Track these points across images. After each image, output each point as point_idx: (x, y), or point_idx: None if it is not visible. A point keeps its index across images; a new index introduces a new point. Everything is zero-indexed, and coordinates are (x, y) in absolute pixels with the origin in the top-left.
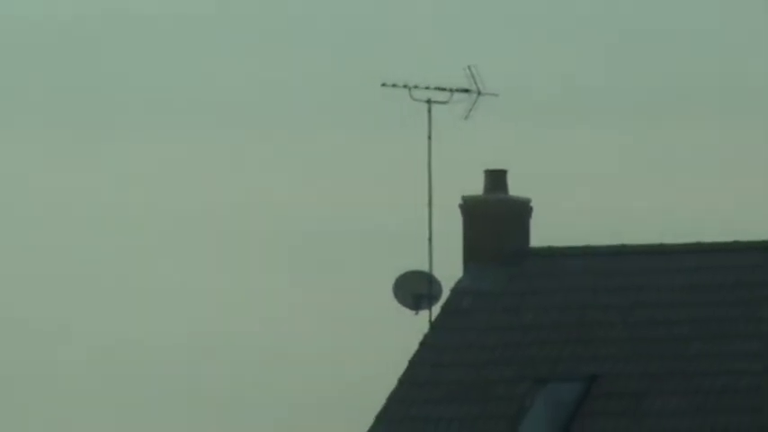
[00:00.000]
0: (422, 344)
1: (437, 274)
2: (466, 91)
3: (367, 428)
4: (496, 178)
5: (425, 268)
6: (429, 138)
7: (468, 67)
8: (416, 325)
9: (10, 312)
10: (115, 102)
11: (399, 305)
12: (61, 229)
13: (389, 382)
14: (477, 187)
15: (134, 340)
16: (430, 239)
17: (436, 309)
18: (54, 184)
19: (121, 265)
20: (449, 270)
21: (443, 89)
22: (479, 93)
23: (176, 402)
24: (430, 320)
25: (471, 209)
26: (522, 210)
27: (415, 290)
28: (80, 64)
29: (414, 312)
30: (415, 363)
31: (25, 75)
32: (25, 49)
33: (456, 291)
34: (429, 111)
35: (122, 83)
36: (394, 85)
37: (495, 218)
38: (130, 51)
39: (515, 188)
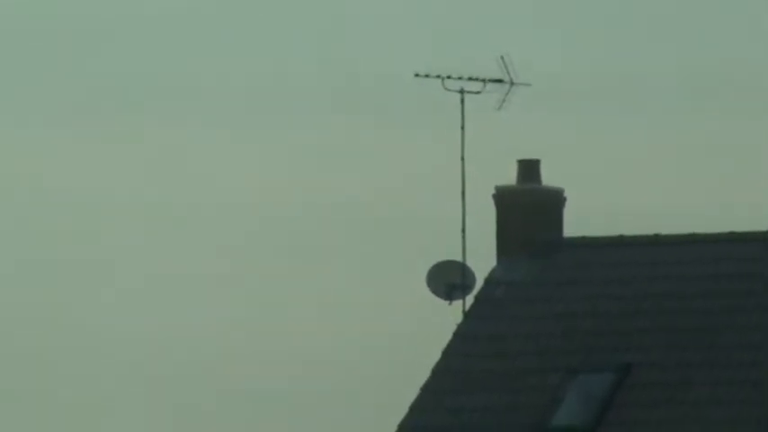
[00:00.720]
0: (455, 334)
1: (470, 264)
2: (499, 81)
3: (401, 419)
4: (530, 168)
5: (459, 258)
6: (462, 128)
7: (501, 57)
8: (450, 315)
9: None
10: (126, 95)
11: (433, 295)
12: (70, 223)
13: (423, 373)
14: (510, 177)
15: (143, 337)
16: (463, 230)
17: (470, 299)
18: (65, 182)
19: (136, 259)
20: (482, 260)
21: (476, 79)
22: (512, 83)
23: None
24: (463, 310)
25: (504, 199)
26: (555, 200)
27: (448, 280)
28: (74, 61)
29: (447, 302)
30: (448, 353)
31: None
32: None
33: (489, 281)
34: (462, 101)
35: (134, 78)
36: (427, 76)
37: (528, 208)
38: (138, 48)
39: (549, 178)
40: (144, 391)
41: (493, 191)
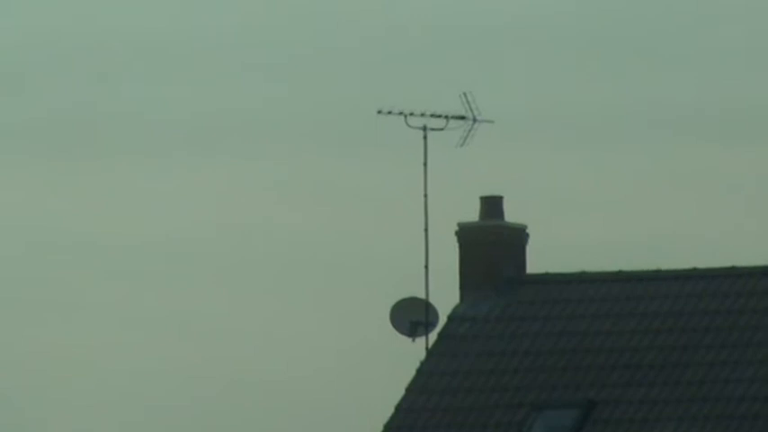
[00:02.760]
0: (418, 371)
1: (434, 300)
2: (462, 118)
3: None
4: (492, 205)
5: (422, 295)
6: (425, 164)
7: (464, 94)
8: (413, 352)
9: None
10: (110, 131)
11: (396, 332)
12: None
13: (387, 410)
14: (473, 214)
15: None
16: (426, 266)
17: (433, 335)
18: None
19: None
20: (445, 297)
21: (439, 116)
22: (475, 119)
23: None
24: (427, 347)
25: (467, 236)
26: (518, 236)
27: (411, 317)
28: (58, 90)
29: (410, 339)
30: (411, 389)
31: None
32: None
33: (452, 317)
34: (425, 137)
35: (121, 112)
36: (390, 113)
37: (491, 244)
38: (130, 77)
39: (511, 215)
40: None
41: (456, 227)
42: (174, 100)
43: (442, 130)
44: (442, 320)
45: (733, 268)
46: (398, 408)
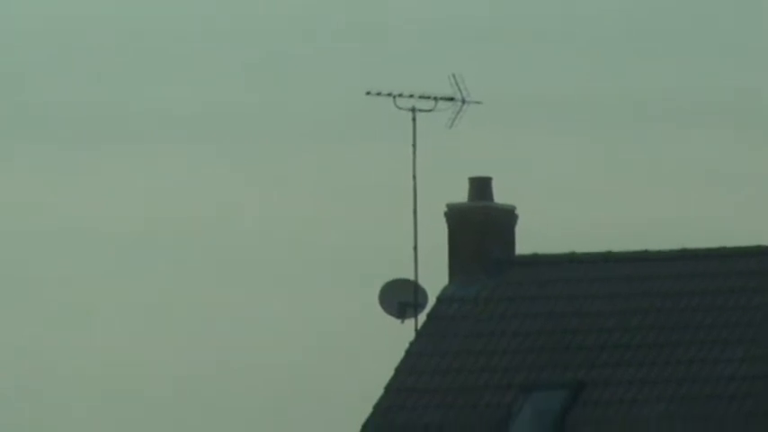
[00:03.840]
0: (407, 352)
1: (422, 282)
2: (450, 99)
3: None
4: (481, 186)
5: (411, 276)
6: (414, 146)
7: (453, 76)
8: (402, 333)
9: None
10: (100, 122)
11: (385, 313)
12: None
13: (376, 390)
14: (462, 195)
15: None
16: (415, 248)
17: (422, 317)
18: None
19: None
20: (434, 278)
21: (428, 97)
22: (464, 101)
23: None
24: (416, 328)
25: (456, 217)
26: (507, 217)
27: (400, 298)
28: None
29: (399, 320)
30: (400, 370)
31: None
32: None
33: (441, 299)
34: (414, 119)
35: (113, 104)
36: (378, 94)
37: (479, 226)
38: (123, 73)
39: (500, 196)
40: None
41: (445, 209)
42: (167, 95)
43: (430, 111)
44: (431, 302)
45: (721, 249)
46: (388, 388)
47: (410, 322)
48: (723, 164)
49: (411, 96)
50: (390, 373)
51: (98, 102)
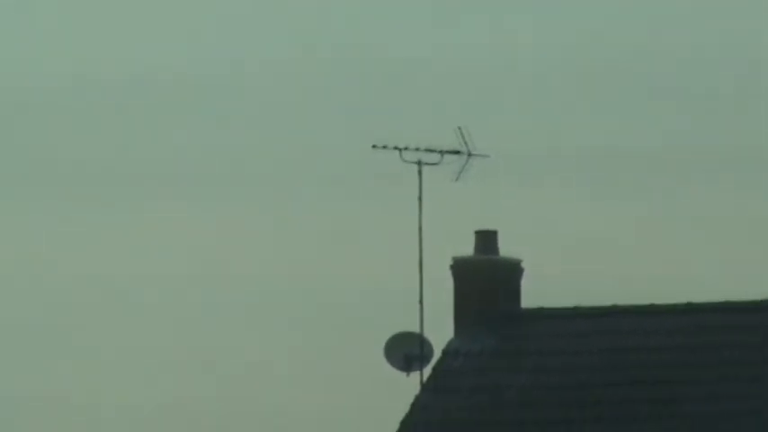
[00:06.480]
0: (413, 405)
1: (428, 335)
2: (456, 152)
3: None
4: (487, 239)
5: (416, 329)
6: (420, 199)
7: (459, 128)
8: (408, 387)
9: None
10: (112, 173)
11: (391, 367)
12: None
13: None
14: (467, 248)
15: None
16: (421, 301)
17: (427, 370)
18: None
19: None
20: (440, 331)
21: (434, 150)
22: (470, 154)
23: None
24: (421, 382)
25: (462, 270)
26: (512, 271)
27: (406, 351)
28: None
29: (405, 374)
30: (406, 424)
31: None
32: None
33: (447, 352)
34: (420, 172)
35: (120, 156)
36: (384, 147)
37: (485, 279)
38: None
39: (506, 249)
40: None
41: (450, 262)
42: (166, 144)
43: (437, 164)
44: (437, 355)
45: (728, 303)
46: None
47: (416, 375)
48: (727, 218)
49: (417, 149)
50: (396, 426)
51: (91, 157)
